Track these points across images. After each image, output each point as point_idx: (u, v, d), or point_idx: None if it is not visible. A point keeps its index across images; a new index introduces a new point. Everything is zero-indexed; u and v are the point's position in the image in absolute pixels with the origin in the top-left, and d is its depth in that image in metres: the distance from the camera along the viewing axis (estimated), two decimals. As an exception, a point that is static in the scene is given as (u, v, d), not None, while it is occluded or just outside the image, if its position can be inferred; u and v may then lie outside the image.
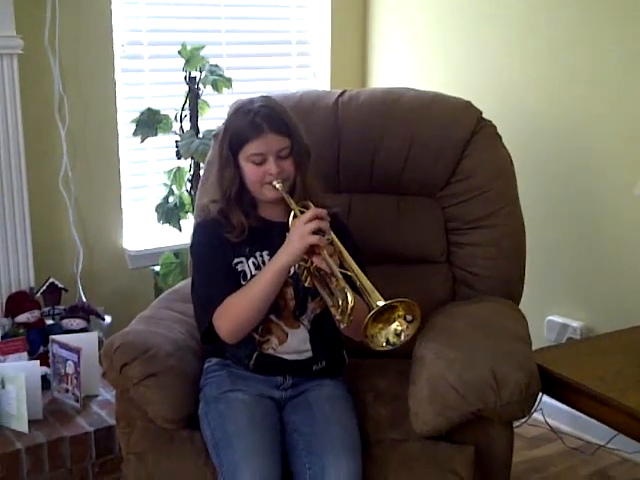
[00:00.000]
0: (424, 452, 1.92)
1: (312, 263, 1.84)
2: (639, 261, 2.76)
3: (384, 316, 1.71)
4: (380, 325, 1.71)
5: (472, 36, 3.22)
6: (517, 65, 3.06)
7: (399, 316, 1.72)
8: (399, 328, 1.73)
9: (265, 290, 1.89)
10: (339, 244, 1.84)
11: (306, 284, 1.90)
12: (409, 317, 1.72)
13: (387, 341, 1.73)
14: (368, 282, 1.75)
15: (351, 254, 1.83)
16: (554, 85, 2.95)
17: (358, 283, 1.76)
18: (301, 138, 2.01)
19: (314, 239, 1.81)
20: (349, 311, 1.75)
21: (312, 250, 1.83)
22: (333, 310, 1.82)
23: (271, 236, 2.00)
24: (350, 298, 1.74)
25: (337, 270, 1.79)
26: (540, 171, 2.99)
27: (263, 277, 1.90)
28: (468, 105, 2.44)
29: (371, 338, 1.71)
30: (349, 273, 1.79)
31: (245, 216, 2.00)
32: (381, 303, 1.69)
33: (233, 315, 1.91)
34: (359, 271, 1.78)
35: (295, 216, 1.93)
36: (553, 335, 3.01)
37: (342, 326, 1.80)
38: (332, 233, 1.85)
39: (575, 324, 2.96)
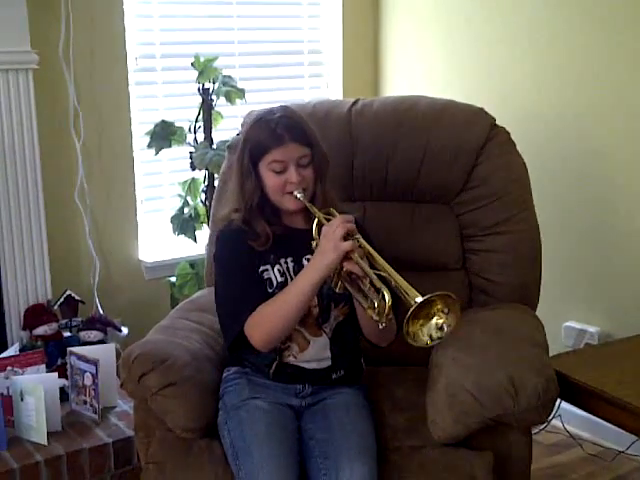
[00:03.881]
0: (443, 458, 1.91)
1: (342, 268, 1.84)
2: (656, 265, 2.75)
3: (423, 312, 1.69)
4: (420, 322, 1.69)
5: (484, 43, 3.22)
6: (529, 71, 3.06)
7: (438, 310, 1.70)
8: (440, 321, 1.70)
9: (300, 301, 1.89)
10: (367, 245, 1.85)
11: (337, 289, 1.89)
12: (446, 310, 1.70)
13: (430, 337, 1.71)
14: (403, 280, 1.74)
15: (379, 254, 1.83)
16: (567, 90, 2.94)
17: (393, 282, 1.76)
18: (321, 147, 2.03)
19: (348, 246, 1.81)
20: (387, 310, 1.75)
21: (344, 255, 1.83)
22: (370, 312, 1.80)
23: (294, 242, 2.01)
24: (387, 297, 1.74)
25: (371, 271, 1.79)
26: (555, 176, 2.99)
27: (298, 287, 1.90)
28: (481, 112, 2.44)
29: (412, 336, 1.69)
30: (382, 273, 1.78)
31: (268, 224, 2.01)
32: (419, 299, 1.67)
33: (268, 325, 1.91)
34: (392, 270, 1.78)
35: (319, 223, 1.94)
36: (571, 341, 3.00)
37: (380, 327, 1.78)
38: (359, 235, 1.86)
39: (592, 329, 2.94)
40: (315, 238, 1.93)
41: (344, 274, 1.86)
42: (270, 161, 1.97)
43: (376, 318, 1.78)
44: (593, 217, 2.93)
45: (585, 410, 2.06)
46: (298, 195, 1.96)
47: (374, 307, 1.78)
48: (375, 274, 1.79)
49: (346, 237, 1.83)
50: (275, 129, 1.95)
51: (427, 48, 3.47)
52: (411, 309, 1.67)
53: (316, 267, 1.87)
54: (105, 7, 3.02)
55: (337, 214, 1.94)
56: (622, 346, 2.37)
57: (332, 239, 1.83)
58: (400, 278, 1.75)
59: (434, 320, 1.71)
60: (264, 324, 1.91)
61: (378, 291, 1.77)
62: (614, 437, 2.75)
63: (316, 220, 1.95)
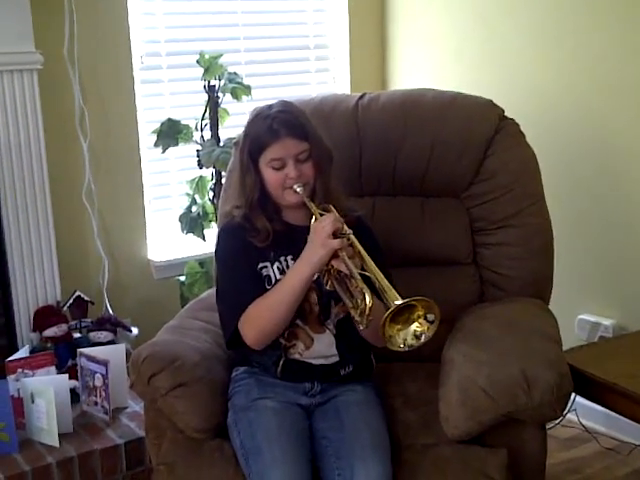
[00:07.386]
0: (456, 456, 1.89)
1: (332, 265, 1.84)
2: (670, 256, 2.72)
3: (403, 316, 1.69)
4: (399, 326, 1.70)
5: (491, 34, 3.19)
6: (539, 61, 3.03)
7: (419, 316, 1.70)
8: (419, 329, 1.71)
9: (291, 298, 1.89)
10: (359, 245, 1.83)
11: (327, 287, 1.89)
12: (430, 317, 1.70)
13: (404, 342, 1.71)
14: (386, 282, 1.74)
15: (372, 256, 1.81)
16: (579, 80, 2.91)
17: (377, 284, 1.75)
18: (321, 141, 2.01)
19: (336, 243, 1.81)
20: (367, 311, 1.73)
21: (333, 253, 1.82)
22: (352, 312, 1.81)
23: (295, 240, 1.99)
24: (368, 298, 1.73)
25: (356, 271, 1.78)
26: (567, 167, 2.96)
27: (288, 284, 1.90)
28: (489, 104, 2.42)
29: (389, 338, 1.70)
30: (368, 274, 1.77)
31: (269, 221, 2.01)
32: (398, 302, 1.67)
33: (259, 322, 1.91)
34: (378, 272, 1.77)
35: (316, 220, 1.92)
36: (585, 334, 2.97)
37: (361, 327, 1.79)
38: (352, 235, 1.84)
39: (607, 322, 2.91)
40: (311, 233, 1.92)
41: (333, 272, 1.85)
42: (269, 159, 1.96)
43: (357, 319, 1.78)
44: (606, 208, 2.89)
45: (600, 404, 2.04)
46: (298, 189, 1.95)
47: (357, 307, 1.77)
48: (360, 274, 1.77)
49: (336, 234, 1.83)
50: (272, 124, 1.95)
51: (434, 40, 3.45)
52: (388, 311, 1.67)
53: (305, 263, 1.87)
54: (109, 6, 3.01)
55: (334, 210, 1.93)
56: (637, 339, 2.35)
57: (321, 235, 1.83)
58: (384, 279, 1.74)
59: (413, 326, 1.71)
60: (255, 321, 1.91)
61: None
62: (630, 431, 2.73)
63: (313, 217, 1.94)
